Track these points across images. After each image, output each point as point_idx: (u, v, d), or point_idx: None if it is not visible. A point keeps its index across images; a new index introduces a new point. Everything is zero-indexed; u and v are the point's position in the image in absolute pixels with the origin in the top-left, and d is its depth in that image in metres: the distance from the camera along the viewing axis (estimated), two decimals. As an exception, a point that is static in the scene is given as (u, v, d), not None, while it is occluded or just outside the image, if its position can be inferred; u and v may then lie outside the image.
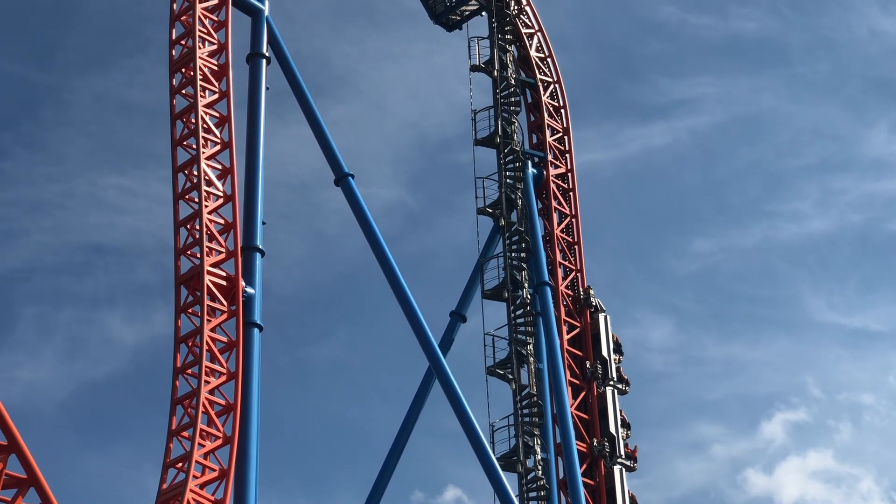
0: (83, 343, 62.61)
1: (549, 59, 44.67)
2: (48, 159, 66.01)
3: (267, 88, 36.19)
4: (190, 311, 31.79)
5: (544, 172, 42.29)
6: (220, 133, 34.07)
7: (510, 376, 37.99)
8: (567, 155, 43.23)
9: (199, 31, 35.05)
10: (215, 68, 34.88)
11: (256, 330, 32.01)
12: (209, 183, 33.10)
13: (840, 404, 69.14)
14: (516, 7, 44.52)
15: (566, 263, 41.32)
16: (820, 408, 68.57)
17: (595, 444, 38.70)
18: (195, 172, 33.16)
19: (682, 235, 72.80)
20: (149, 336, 61.30)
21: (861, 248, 73.63)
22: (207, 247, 32.09)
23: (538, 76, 44.03)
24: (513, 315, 38.79)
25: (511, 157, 41.26)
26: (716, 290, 70.65)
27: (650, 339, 67.08)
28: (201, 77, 34.38)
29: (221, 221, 32.80)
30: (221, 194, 33.14)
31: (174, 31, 35.54)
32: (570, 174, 42.87)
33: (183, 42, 35.22)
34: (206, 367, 30.62)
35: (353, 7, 72.24)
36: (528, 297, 39.15)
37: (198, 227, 32.39)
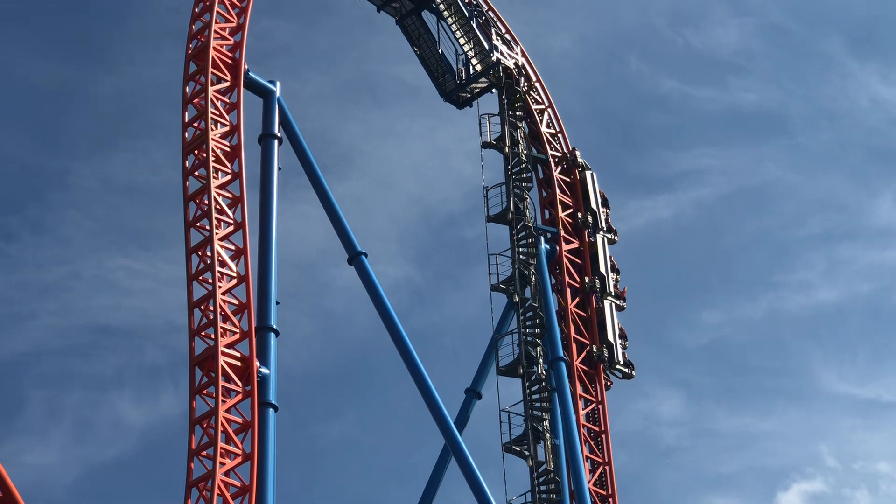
0: (91, 426, 62.48)
1: (559, 135, 44.84)
2: (54, 242, 66.35)
3: (279, 169, 36.38)
4: (205, 392, 31.67)
5: (557, 248, 42.29)
6: (233, 214, 34.16)
7: (527, 453, 37.81)
8: (581, 231, 43.15)
9: (212, 113, 35.25)
10: (227, 149, 35.04)
11: (271, 410, 31.90)
12: (223, 264, 33.14)
13: (856, 473, 68.78)
14: (526, 84, 44.76)
15: (580, 338, 41.19)
16: (836, 477, 68.17)
17: (594, 349, 40.58)
18: (209, 253, 33.21)
19: (691, 307, 72.74)
20: (158, 418, 61.20)
21: (870, 317, 73.54)
22: (222, 328, 32.07)
23: (549, 152, 44.16)
24: (528, 391, 38.68)
25: (524, 232, 41.29)
26: (726, 361, 70.54)
27: (661, 413, 66.88)
28: (214, 158, 34.54)
29: (235, 302, 32.80)
30: (235, 275, 33.16)
31: (186, 113, 35.75)
32: (583, 249, 42.82)
33: (195, 124, 35.41)
34: (222, 448, 30.47)
35: (356, 86, 72.88)
36: (543, 372, 39.04)
37: (212, 308, 32.39)
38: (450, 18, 44.24)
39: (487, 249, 41.12)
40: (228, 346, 31.94)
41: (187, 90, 36.09)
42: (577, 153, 44.30)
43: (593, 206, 43.25)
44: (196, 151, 34.95)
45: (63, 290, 64.56)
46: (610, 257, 42.62)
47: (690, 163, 73.61)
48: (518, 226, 41.37)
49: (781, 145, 76.57)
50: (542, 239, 42.06)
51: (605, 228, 43.13)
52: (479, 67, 44.35)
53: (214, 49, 36.29)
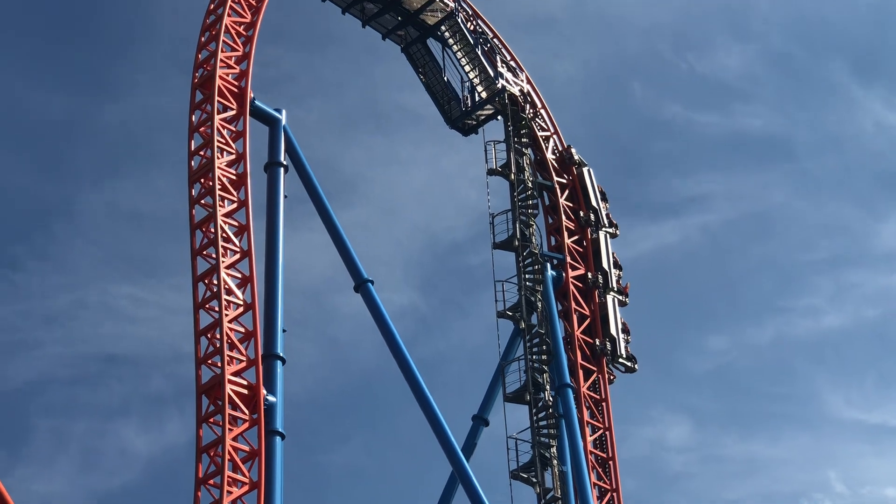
0: (98, 454, 62.38)
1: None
2: (60, 270, 66.44)
3: (285, 197, 36.41)
4: (211, 420, 31.65)
5: (563, 274, 42.28)
6: (240, 242, 34.19)
7: (534, 480, 37.71)
8: (587, 256, 43.18)
9: (218, 141, 35.34)
10: (234, 178, 35.10)
11: (278, 438, 31.88)
12: (229, 292, 33.15)
13: (865, 498, 68.49)
14: (531, 111, 44.82)
15: (587, 365, 41.14)
16: (845, 503, 67.92)
17: (597, 343, 41.04)
18: (215, 281, 33.24)
19: (697, 333, 72.70)
20: (164, 446, 61.16)
21: (877, 342, 73.42)
22: (228, 356, 32.06)
23: (555, 178, 44.18)
24: (535, 418, 38.60)
25: (530, 259, 41.28)
26: (733, 387, 70.36)
27: (668, 439, 66.75)
28: (220, 187, 34.60)
29: (242, 330, 32.81)
30: (242, 303, 33.17)
31: (193, 142, 35.84)
32: (588, 276, 42.81)
33: (201, 153, 35.50)
34: (229, 476, 30.43)
35: (360, 113, 73.05)
36: (551, 399, 38.99)
37: (219, 336, 32.39)
38: (455, 46, 44.33)
39: (494, 276, 41.14)
40: (235, 373, 31.94)
41: (193, 119, 36.19)
42: (573, 150, 44.73)
43: (594, 203, 43.81)
44: (202, 180, 35.01)
45: (69, 318, 64.67)
46: (612, 253, 43.09)
47: (696, 188, 73.73)
48: (524, 252, 41.37)
49: (787, 171, 76.69)
50: (549, 265, 42.07)
51: (605, 224, 43.68)
52: (484, 94, 44.42)
53: (220, 78, 36.42)
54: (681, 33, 78.47)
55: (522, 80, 45.45)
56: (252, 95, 36.84)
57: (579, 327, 41.60)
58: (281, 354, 33.27)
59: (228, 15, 37.94)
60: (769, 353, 71.20)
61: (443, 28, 44.20)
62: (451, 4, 44.14)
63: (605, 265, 42.76)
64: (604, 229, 43.46)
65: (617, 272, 43.01)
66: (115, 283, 65.96)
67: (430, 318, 68.51)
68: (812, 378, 71.05)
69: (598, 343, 41.37)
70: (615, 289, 42.60)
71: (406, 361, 36.31)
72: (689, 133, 76.03)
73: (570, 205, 43.58)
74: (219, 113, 35.88)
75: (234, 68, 37.10)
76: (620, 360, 41.56)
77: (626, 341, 42.04)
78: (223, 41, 37.22)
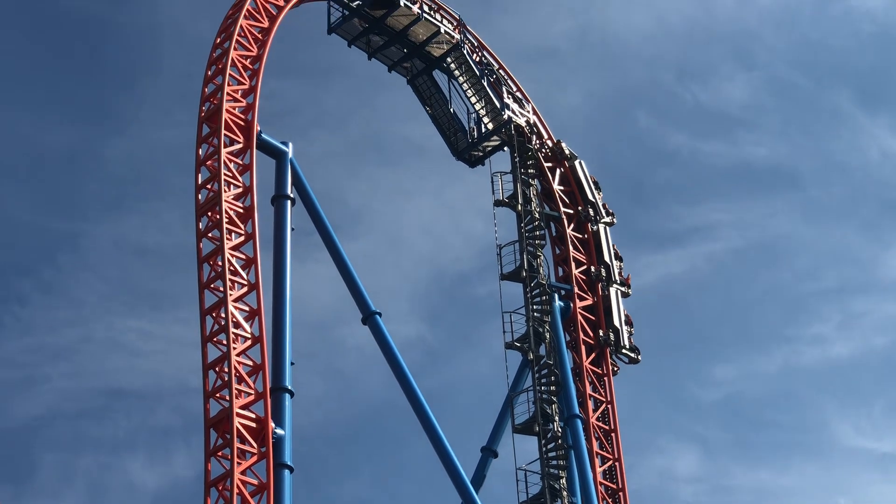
0: (105, 489, 62.21)
1: (572, 192, 44.85)
2: (67, 304, 66.50)
3: (292, 229, 36.45)
4: (220, 454, 31.55)
5: (571, 305, 42.22)
6: (247, 274, 34.17)
7: (544, 512, 37.56)
8: (595, 286, 43.12)
9: (225, 174, 35.35)
10: (241, 211, 35.10)
11: (287, 471, 31.80)
12: (237, 325, 33.11)
13: (876, 526, 68.09)
14: (538, 141, 44.85)
15: (596, 395, 41.02)
16: (855, 532, 67.60)
17: (601, 334, 41.59)
18: (223, 315, 33.20)
19: (704, 362, 72.39)
20: (171, 480, 60.95)
21: (885, 370, 73.00)
22: (237, 389, 31.99)
23: (562, 209, 44.16)
24: (544, 449, 38.46)
25: (538, 290, 41.23)
26: (741, 416, 70.14)
27: (677, 469, 66.46)
28: (227, 220, 34.60)
29: (250, 363, 32.75)
30: (249, 336, 33.12)
31: (200, 175, 35.86)
32: (597, 306, 42.74)
33: (209, 186, 35.51)
34: (237, 510, 30.35)
35: (365, 145, 73.17)
36: (560, 430, 38.85)
37: (227, 370, 32.34)
38: (461, 77, 44.38)
39: (501, 307, 41.08)
40: (243, 407, 31.86)
41: (200, 152, 36.22)
42: (563, 144, 45.00)
43: (590, 196, 44.33)
44: (210, 213, 35.02)
45: (75, 352, 64.66)
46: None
47: (702, 217, 73.66)
48: (532, 283, 41.33)
49: (793, 199, 76.58)
50: (556, 296, 42.00)
51: (602, 214, 44.13)
52: (490, 126, 44.46)
53: (227, 111, 36.47)
54: (684, 62, 78.65)
55: (528, 111, 45.51)
56: (259, 128, 36.89)
57: (587, 358, 41.50)
58: (289, 387, 33.22)
59: (235, 48, 38.00)
60: (777, 382, 71.04)
61: (448, 60, 44.25)
62: (457, 36, 44.22)
63: (606, 258, 43.25)
64: (602, 221, 43.85)
65: (618, 264, 43.48)
66: (122, 316, 66.05)
67: (437, 349, 68.41)
68: (821, 407, 70.86)
69: (601, 334, 41.76)
70: (618, 281, 43.01)
71: (414, 393, 36.29)
72: (694, 162, 76.10)
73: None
74: (225, 146, 35.90)
75: (241, 101, 37.15)
76: (624, 350, 41.99)
77: (630, 333, 42.38)
78: (230, 74, 37.30)
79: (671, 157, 75.54)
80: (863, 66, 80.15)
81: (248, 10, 39.05)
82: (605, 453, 40.14)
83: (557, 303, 41.82)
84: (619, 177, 72.82)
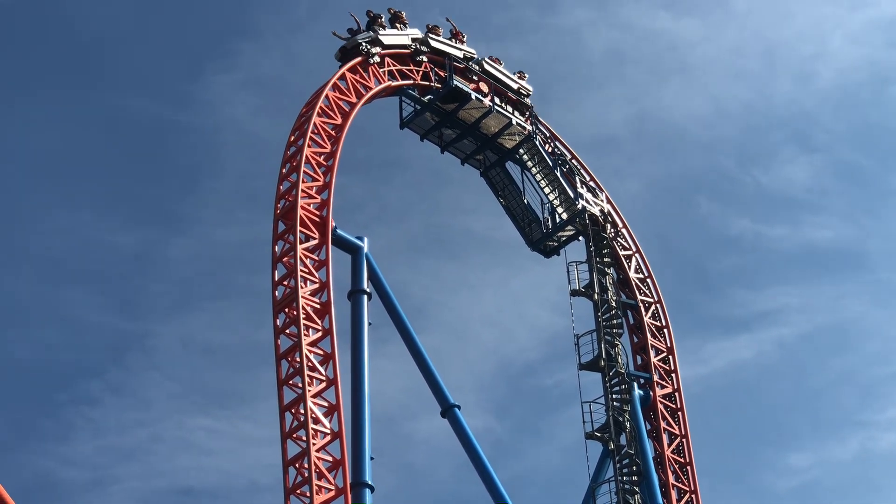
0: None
1: (648, 280, 44.67)
2: (136, 405, 66.90)
3: (370, 324, 36.53)
4: (301, 551, 31.48)
5: (651, 393, 41.88)
6: (325, 370, 34.21)
7: None
8: (673, 375, 42.84)
9: (301, 271, 35.53)
10: (318, 307, 35.20)
11: (369, 567, 31.69)
12: (316, 420, 33.09)
13: None
14: (612, 230, 44.75)
15: (679, 485, 40.54)
16: None
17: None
18: (302, 411, 33.21)
19: (778, 450, 71.34)
20: (246, 578, 60.83)
21: (964, 454, 71.78)
22: (317, 485, 31.91)
23: (639, 297, 43.95)
24: (628, 541, 38.06)
25: (616, 379, 40.96)
26: (819, 505, 68.90)
27: (755, 560, 65.34)
28: (304, 316, 34.71)
29: (330, 459, 32.68)
30: (329, 431, 33.08)
31: (276, 272, 36.07)
32: (677, 394, 42.40)
33: (285, 283, 35.69)
34: None
35: (426, 240, 73.38)
36: (643, 521, 38.44)
37: (306, 466, 32.30)
38: (534, 168, 44.47)
39: (580, 397, 40.84)
40: (324, 503, 31.76)
41: (276, 249, 36.44)
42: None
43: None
44: (286, 309, 35.15)
45: (145, 452, 64.88)
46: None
47: (768, 302, 72.98)
48: (611, 373, 41.07)
49: (862, 281, 75.76)
50: (636, 385, 41.69)
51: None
52: (565, 216, 44.44)
53: (302, 208, 36.71)
54: (744, 147, 78.34)
55: (602, 200, 45.43)
56: (334, 224, 37.11)
57: (669, 446, 41.08)
58: (370, 482, 33.11)
59: (309, 145, 38.34)
60: (853, 469, 69.94)
61: (521, 151, 44.38)
62: (529, 128, 44.38)
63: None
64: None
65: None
66: (191, 415, 66.33)
67: (507, 441, 68.01)
68: (898, 492, 69.49)
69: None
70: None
71: (495, 485, 36.10)
72: (758, 247, 75.54)
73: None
74: (301, 242, 36.13)
75: (316, 198, 37.38)
76: None
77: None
78: (304, 171, 37.59)
79: (735, 242, 75.20)
80: (925, 144, 79.61)
81: (321, 107, 39.43)
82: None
83: (637, 391, 41.52)
84: (683, 263, 72.73)
